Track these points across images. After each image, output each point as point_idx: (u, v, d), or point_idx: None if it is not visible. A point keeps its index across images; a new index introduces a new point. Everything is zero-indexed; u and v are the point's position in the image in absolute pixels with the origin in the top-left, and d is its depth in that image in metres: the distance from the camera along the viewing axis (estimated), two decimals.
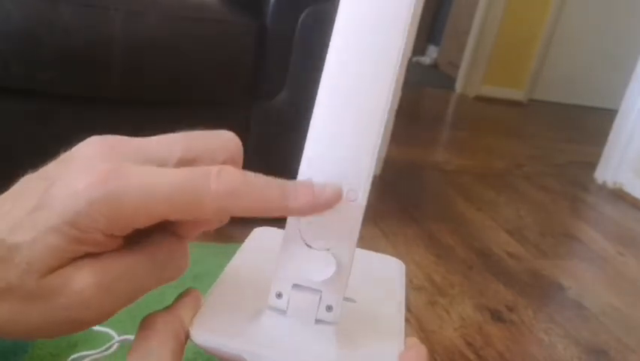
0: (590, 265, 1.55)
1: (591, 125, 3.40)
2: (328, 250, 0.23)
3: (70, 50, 1.02)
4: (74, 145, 0.24)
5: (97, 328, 0.86)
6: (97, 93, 1.10)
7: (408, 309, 1.16)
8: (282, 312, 0.23)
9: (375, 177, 1.75)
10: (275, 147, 1.23)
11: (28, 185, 0.22)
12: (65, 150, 0.23)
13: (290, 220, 0.23)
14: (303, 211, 0.22)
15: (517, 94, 3.73)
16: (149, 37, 1.06)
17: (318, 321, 0.23)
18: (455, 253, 1.45)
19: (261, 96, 1.20)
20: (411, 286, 1.25)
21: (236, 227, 1.38)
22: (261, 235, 0.35)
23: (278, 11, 1.15)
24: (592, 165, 2.34)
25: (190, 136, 0.24)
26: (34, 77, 1.04)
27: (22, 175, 0.23)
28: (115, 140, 0.23)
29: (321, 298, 0.23)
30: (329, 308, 0.23)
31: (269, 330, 0.23)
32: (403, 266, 0.33)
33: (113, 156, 0.22)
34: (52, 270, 0.20)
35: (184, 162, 0.23)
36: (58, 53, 1.02)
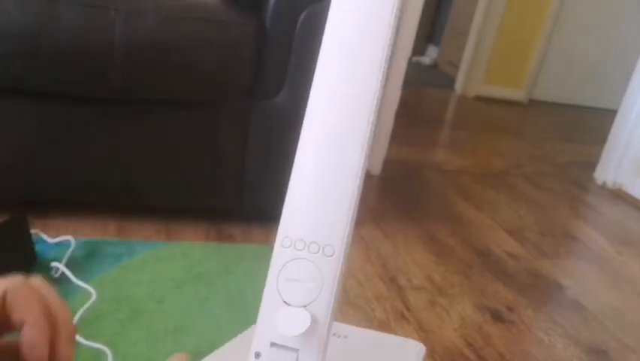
0: (590, 265, 1.55)
1: (591, 125, 3.40)
2: (305, 306, 0.23)
3: (70, 51, 1.02)
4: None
5: (89, 343, 0.86)
6: (97, 93, 1.10)
7: (408, 308, 1.16)
8: None
9: (375, 177, 1.74)
10: (275, 147, 1.23)
11: None
12: None
13: (269, 279, 0.23)
14: None
15: (517, 94, 3.73)
16: (149, 38, 1.06)
17: None
18: (455, 253, 1.45)
19: (261, 96, 1.20)
20: (411, 286, 1.25)
21: (236, 227, 1.40)
22: None
23: (278, 11, 1.15)
24: (592, 165, 2.34)
25: None
26: (34, 77, 1.04)
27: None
28: None
29: (297, 357, 0.22)
30: None
31: None
32: (423, 349, 0.32)
33: None
34: None
35: None
36: (58, 54, 1.02)
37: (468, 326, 1.14)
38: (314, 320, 0.22)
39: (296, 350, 0.22)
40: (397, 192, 1.79)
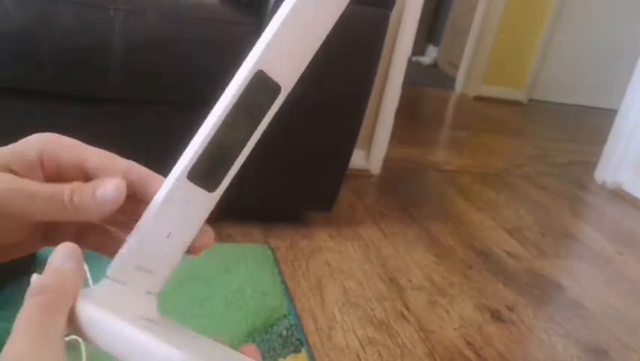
0: (590, 265, 1.55)
1: (591, 125, 3.40)
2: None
3: (69, 50, 1.02)
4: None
5: None
6: (97, 93, 1.10)
7: (407, 308, 1.16)
8: None
9: (374, 177, 1.74)
10: (275, 147, 1.23)
11: None
12: None
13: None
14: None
15: (517, 94, 3.73)
16: (148, 37, 1.06)
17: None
18: (455, 252, 1.45)
19: None
20: (411, 286, 1.25)
21: (236, 227, 1.39)
22: None
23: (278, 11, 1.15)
24: (592, 165, 2.34)
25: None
26: (34, 77, 1.04)
27: None
28: None
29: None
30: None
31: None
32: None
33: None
34: None
35: None
36: (58, 53, 1.02)
37: (468, 326, 1.14)
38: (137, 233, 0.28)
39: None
40: (397, 192, 1.79)
